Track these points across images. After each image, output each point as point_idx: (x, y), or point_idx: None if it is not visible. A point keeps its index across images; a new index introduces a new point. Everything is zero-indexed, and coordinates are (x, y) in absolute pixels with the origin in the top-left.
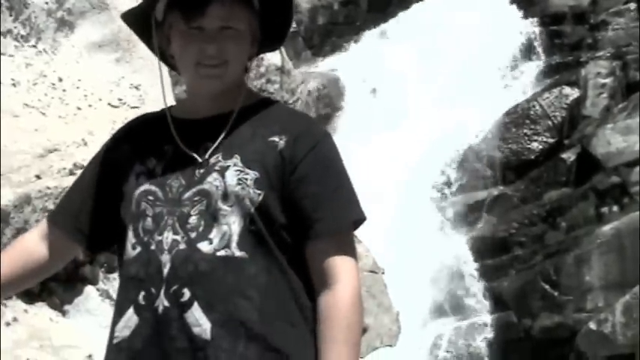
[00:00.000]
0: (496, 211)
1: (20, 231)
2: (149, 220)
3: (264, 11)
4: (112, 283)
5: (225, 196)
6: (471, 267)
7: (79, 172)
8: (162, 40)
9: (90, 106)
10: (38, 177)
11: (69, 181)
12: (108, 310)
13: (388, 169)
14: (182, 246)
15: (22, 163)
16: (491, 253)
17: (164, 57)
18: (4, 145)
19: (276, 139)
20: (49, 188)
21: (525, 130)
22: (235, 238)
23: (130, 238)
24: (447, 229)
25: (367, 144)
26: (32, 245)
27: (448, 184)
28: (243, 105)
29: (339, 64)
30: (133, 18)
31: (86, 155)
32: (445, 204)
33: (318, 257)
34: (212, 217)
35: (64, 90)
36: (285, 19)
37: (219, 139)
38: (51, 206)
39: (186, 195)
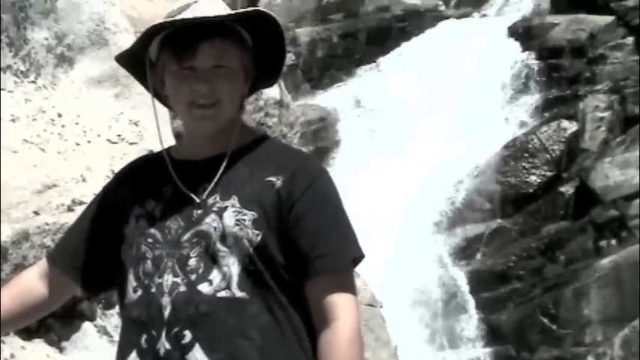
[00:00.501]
0: (494, 244)
1: (18, 267)
2: (149, 262)
3: (257, 47)
4: (110, 320)
5: (224, 238)
6: (469, 300)
7: (77, 208)
8: (156, 80)
9: (89, 142)
10: (37, 213)
11: (67, 218)
12: (105, 346)
13: (386, 202)
14: (182, 288)
15: (20, 199)
16: (489, 286)
17: (159, 96)
18: (4, 181)
19: (273, 178)
20: (47, 224)
21: (524, 164)
22: (235, 278)
23: (131, 281)
24: (445, 262)
25: (365, 176)
26: (31, 283)
27: (446, 216)
28: (239, 144)
29: (337, 96)
30: (127, 59)
31: (85, 191)
32: (443, 236)
33: (317, 295)
34: (211, 258)
35: (63, 126)
36: (279, 54)
37: (216, 179)
38: (49, 242)
39: (185, 237)
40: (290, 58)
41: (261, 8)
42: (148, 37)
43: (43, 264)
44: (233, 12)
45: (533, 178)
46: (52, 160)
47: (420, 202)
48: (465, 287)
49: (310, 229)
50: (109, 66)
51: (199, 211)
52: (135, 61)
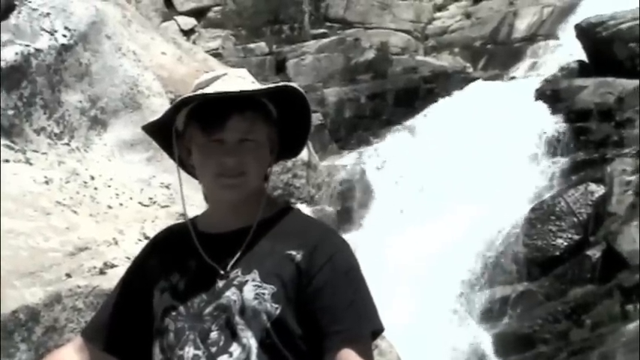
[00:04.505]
0: (521, 307)
1: (49, 329)
2: (171, 335)
3: (283, 119)
4: None
5: (243, 311)
6: None
7: (109, 271)
8: (182, 150)
9: (121, 204)
10: (69, 275)
11: (99, 280)
12: None
13: (413, 263)
14: None
15: (53, 262)
16: (515, 350)
17: (184, 165)
18: (37, 243)
19: (293, 252)
20: (79, 287)
21: (550, 226)
22: (254, 350)
23: (157, 353)
24: (471, 325)
25: (393, 237)
26: (67, 358)
27: (473, 278)
28: (262, 217)
29: (365, 157)
30: (154, 127)
31: (116, 254)
32: (470, 299)
33: None
34: (231, 331)
35: (95, 188)
36: (304, 127)
37: (238, 254)
38: (81, 305)
39: (207, 310)
40: (317, 117)
41: (290, 83)
42: (177, 107)
43: (78, 341)
44: (263, 87)
45: (559, 241)
46: (85, 222)
47: (447, 263)
48: (490, 350)
49: (328, 304)
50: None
51: (221, 285)
52: (162, 129)
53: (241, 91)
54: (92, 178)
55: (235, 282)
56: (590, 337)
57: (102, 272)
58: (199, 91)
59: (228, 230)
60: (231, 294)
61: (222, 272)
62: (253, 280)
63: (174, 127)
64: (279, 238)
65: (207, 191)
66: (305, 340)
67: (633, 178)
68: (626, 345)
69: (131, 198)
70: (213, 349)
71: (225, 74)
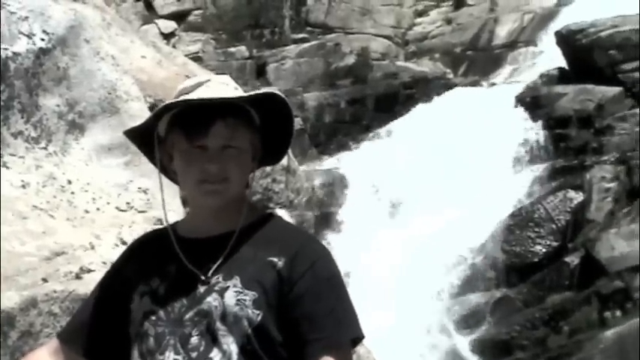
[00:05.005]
0: (499, 313)
1: (25, 334)
2: (151, 339)
3: (265, 126)
4: None
5: (224, 317)
6: None
7: (85, 276)
8: (164, 155)
9: (98, 209)
10: (45, 280)
11: (75, 285)
12: None
13: (390, 268)
14: None
15: (29, 266)
16: (493, 356)
17: (165, 171)
18: (12, 247)
19: (275, 259)
20: (55, 292)
21: (529, 233)
22: (235, 356)
23: (136, 357)
24: (449, 331)
25: (371, 242)
26: None
27: (452, 284)
28: (244, 223)
29: (344, 161)
30: (135, 133)
31: (93, 259)
32: (448, 305)
33: None
34: (212, 337)
35: (72, 193)
36: (287, 134)
37: (220, 260)
38: (57, 310)
39: (188, 315)
40: (298, 122)
41: (273, 90)
42: (159, 113)
43: (54, 343)
44: (245, 94)
45: (538, 247)
46: (61, 227)
47: (425, 268)
48: (468, 356)
49: (309, 312)
50: (120, 134)
51: (202, 290)
52: (143, 135)
53: (224, 98)
54: (69, 182)
55: (217, 288)
56: (567, 343)
57: (78, 277)
58: (182, 98)
59: (209, 236)
60: (212, 300)
61: (203, 278)
62: (235, 286)
63: (156, 133)
64: (261, 244)
65: (189, 197)
66: (285, 347)
67: (612, 185)
68: (603, 352)
69: (108, 203)
70: (194, 355)
71: (208, 80)
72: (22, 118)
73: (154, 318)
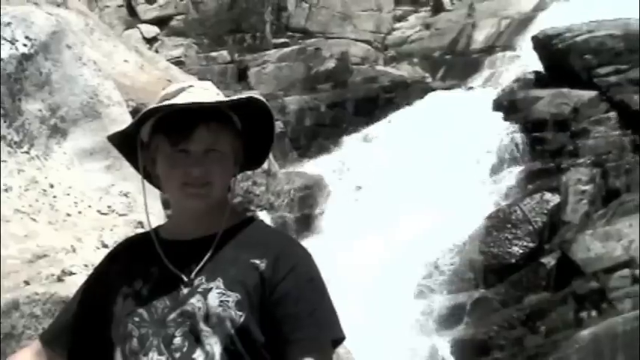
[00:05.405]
0: (477, 313)
1: (7, 336)
2: (135, 340)
3: (247, 130)
4: None
5: (207, 318)
6: None
7: (67, 278)
8: (147, 160)
9: (79, 212)
10: (27, 283)
11: (57, 288)
12: None
13: (370, 269)
14: None
15: (11, 269)
16: (471, 356)
17: (148, 176)
18: None
19: (257, 261)
20: (37, 294)
21: (506, 234)
22: (218, 357)
23: (119, 359)
24: (427, 331)
25: (349, 244)
26: None
27: (431, 285)
28: (226, 226)
29: (324, 164)
30: (118, 139)
31: (75, 262)
32: (427, 305)
33: None
34: (195, 338)
35: (54, 196)
36: (268, 139)
37: (203, 261)
38: (39, 312)
39: (171, 316)
40: (278, 126)
41: (255, 95)
42: (142, 118)
43: (36, 345)
44: (228, 99)
45: (515, 249)
46: (43, 230)
47: (404, 270)
48: (447, 356)
49: (290, 313)
50: (101, 138)
51: (185, 292)
52: (126, 139)
53: (208, 103)
54: (51, 186)
55: (200, 289)
56: (544, 343)
57: (60, 280)
58: (165, 102)
59: (191, 238)
60: (195, 301)
61: (186, 279)
62: (218, 288)
63: (138, 138)
64: (243, 247)
65: (171, 200)
66: (268, 348)
67: (588, 187)
68: (579, 351)
69: (90, 206)
70: (177, 355)
71: (191, 86)
72: (5, 122)
73: (137, 319)
